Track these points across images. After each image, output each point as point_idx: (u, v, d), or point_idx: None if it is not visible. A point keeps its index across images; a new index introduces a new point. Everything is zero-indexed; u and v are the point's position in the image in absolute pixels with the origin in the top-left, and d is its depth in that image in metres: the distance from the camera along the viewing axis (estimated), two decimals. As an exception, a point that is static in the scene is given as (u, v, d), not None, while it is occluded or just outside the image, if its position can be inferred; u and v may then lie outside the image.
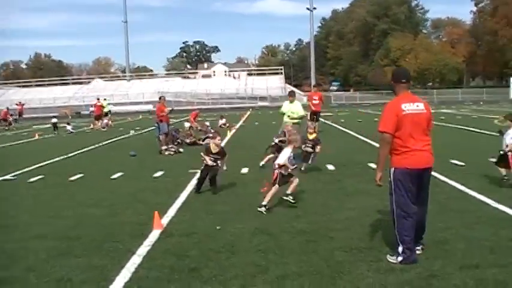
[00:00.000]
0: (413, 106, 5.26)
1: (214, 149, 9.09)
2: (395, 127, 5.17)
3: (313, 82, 59.52)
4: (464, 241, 5.85)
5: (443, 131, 19.49)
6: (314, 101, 19.77)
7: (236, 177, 10.63)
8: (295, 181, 7.93)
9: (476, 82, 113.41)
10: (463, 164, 11.34)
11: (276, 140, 11.49)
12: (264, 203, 7.62)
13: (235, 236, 6.39)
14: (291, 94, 13.84)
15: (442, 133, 17.83)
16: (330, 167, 11.67)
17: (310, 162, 10.95)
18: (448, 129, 20.87)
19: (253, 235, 6.42)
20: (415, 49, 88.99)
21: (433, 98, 57.82)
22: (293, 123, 12.62)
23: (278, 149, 10.00)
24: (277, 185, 7.80)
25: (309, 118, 17.99)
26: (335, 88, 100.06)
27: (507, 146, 8.82)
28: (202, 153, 9.22)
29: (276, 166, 7.88)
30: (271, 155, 10.94)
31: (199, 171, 9.47)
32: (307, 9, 67.26)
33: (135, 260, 5.56)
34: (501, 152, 9.00)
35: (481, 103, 49.56)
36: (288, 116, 13.00)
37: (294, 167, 7.98)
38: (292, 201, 7.79)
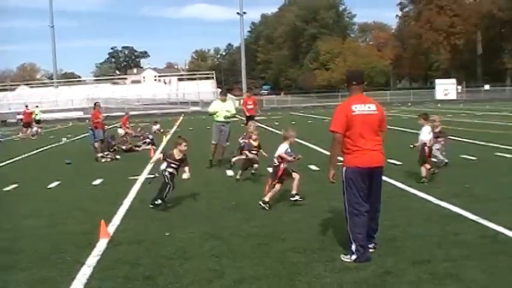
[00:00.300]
0: (365, 107, 5.42)
1: (178, 155, 8.42)
2: (346, 127, 5.34)
3: (244, 86, 59.91)
4: (412, 238, 6.07)
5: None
6: (249, 106, 19.86)
7: (178, 182, 10.48)
8: (297, 178, 8.08)
9: (402, 84, 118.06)
10: (400, 163, 11.77)
11: (241, 141, 11.61)
12: (266, 199, 7.88)
13: (186, 242, 6.31)
14: (224, 93, 13.84)
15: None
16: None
17: (255, 171, 10.71)
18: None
19: (204, 240, 6.37)
20: (343, 52, 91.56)
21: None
22: (225, 123, 12.80)
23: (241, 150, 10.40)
24: (280, 183, 7.99)
25: (246, 123, 18.04)
26: (266, 92, 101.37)
27: (424, 142, 9.58)
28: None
29: (276, 162, 8.05)
30: (240, 156, 11.01)
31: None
32: (237, 13, 67.55)
33: (85, 271, 5.37)
34: (411, 146, 9.97)
35: (409, 104, 51.61)
36: (224, 116, 12.92)
37: (293, 158, 8.08)
38: (301, 199, 7.98)
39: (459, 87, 63.87)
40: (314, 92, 75.28)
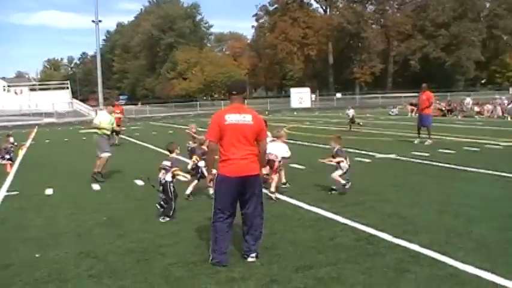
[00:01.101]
0: (239, 117, 5.59)
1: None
2: (219, 136, 5.56)
3: (100, 96, 57.77)
4: (292, 244, 6.23)
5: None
6: (116, 114, 19.28)
7: (41, 199, 9.79)
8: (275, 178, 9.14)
9: (258, 93, 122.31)
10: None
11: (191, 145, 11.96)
12: (272, 189, 8.92)
13: (60, 263, 5.88)
14: (112, 104, 13.52)
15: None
16: (139, 182, 11.42)
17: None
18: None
19: (79, 259, 5.99)
20: (201, 62, 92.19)
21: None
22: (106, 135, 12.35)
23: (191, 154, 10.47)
24: (278, 174, 9.28)
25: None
26: (123, 102, 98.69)
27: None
28: None
29: (280, 159, 9.29)
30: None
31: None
32: (93, 21, 64.94)
33: None
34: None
35: (267, 112, 53.39)
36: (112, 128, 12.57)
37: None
38: (277, 196, 8.99)
39: (313, 95, 67.49)
40: (172, 101, 74.90)
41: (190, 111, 51.43)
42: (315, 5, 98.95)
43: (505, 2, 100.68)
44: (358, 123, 25.54)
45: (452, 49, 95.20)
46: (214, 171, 5.86)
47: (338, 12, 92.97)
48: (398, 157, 13.89)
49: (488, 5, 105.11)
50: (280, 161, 9.32)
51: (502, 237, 6.20)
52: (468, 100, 36.55)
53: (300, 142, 18.58)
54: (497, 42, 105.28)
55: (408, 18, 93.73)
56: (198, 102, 70.58)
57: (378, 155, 14.31)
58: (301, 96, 62.91)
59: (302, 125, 29.25)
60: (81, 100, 79.06)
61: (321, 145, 16.84)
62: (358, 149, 15.61)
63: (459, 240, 6.14)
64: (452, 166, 11.94)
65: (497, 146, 15.68)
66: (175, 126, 34.92)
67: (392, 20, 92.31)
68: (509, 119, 28.78)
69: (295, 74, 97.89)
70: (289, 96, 67.11)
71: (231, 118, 5.55)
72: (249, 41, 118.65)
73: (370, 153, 14.73)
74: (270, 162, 9.00)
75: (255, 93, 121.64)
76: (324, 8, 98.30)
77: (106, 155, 12.03)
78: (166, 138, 23.21)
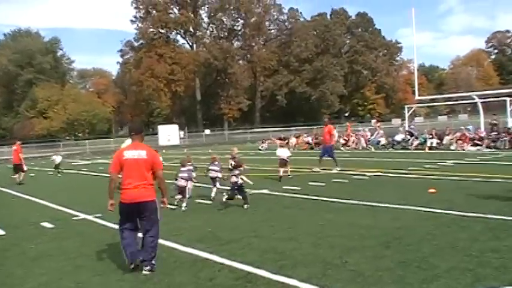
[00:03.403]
0: (135, 152, 7.05)
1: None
2: (119, 168, 7.05)
3: None
4: (168, 289, 6.04)
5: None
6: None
7: None
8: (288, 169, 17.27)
9: (124, 131, 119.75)
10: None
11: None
12: (288, 174, 16.80)
13: None
14: None
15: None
16: (0, 231, 10.65)
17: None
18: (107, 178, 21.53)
19: None
20: (63, 99, 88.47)
21: (85, 149, 58.46)
22: None
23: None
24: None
25: None
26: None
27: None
28: None
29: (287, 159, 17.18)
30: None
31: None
32: None
33: None
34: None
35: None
36: None
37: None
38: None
39: (181, 132, 67.54)
40: (33, 141, 70.72)
41: (52, 152, 48.82)
42: (181, 40, 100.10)
43: (363, 40, 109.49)
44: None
45: (316, 83, 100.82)
46: (111, 201, 7.05)
47: (205, 48, 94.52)
48: (271, 192, 14.23)
49: (348, 41, 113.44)
50: (287, 159, 17.32)
51: (377, 266, 6.51)
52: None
53: (169, 181, 18.29)
54: (357, 76, 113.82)
55: (273, 54, 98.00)
56: (61, 143, 67.39)
57: (251, 191, 14.51)
58: (169, 134, 62.68)
59: (172, 164, 28.96)
60: None
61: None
62: (229, 186, 15.77)
63: (336, 272, 6.34)
64: (324, 198, 12.45)
65: (364, 177, 16.66)
66: (36, 168, 32.92)
67: (258, 56, 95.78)
68: (373, 150, 30.87)
69: (163, 111, 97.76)
70: (156, 133, 66.48)
71: (128, 154, 7.03)
72: (114, 77, 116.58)
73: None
74: (283, 161, 17.24)
75: (121, 131, 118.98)
76: (191, 44, 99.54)
77: None
78: (29, 182, 21.96)
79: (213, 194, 13.22)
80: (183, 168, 12.66)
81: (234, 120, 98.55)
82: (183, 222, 10.24)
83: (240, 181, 12.01)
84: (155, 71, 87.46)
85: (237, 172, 12.09)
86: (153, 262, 6.89)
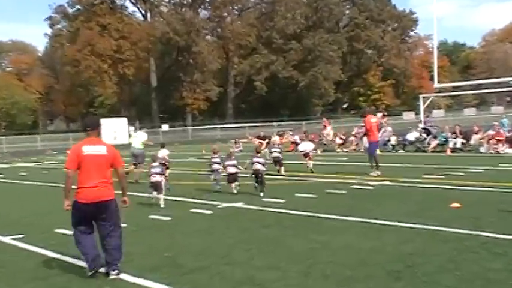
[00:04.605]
0: (95, 148, 8.11)
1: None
2: (77, 165, 8.00)
3: None
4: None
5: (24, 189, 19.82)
6: None
7: None
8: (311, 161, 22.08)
9: (56, 125, 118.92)
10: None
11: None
12: (310, 167, 21.61)
13: None
14: None
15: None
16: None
17: None
18: (31, 187, 21.34)
19: None
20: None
21: (1, 149, 57.82)
22: None
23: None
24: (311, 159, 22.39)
25: None
26: None
27: None
28: None
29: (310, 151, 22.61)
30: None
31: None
32: None
33: None
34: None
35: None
36: None
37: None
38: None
39: (132, 128, 67.01)
40: None
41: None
42: (132, 8, 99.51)
43: (367, 10, 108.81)
44: None
45: (306, 66, 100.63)
46: (67, 201, 8.09)
47: (162, 19, 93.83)
48: (247, 206, 14.24)
49: (347, 12, 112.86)
50: (310, 152, 22.53)
51: (382, 301, 6.54)
52: (328, 130, 38.71)
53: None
54: (359, 57, 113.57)
55: (251, 27, 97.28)
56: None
57: (222, 205, 14.51)
58: (115, 130, 62.25)
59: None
60: None
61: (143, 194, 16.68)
62: (194, 198, 15.79)
63: (331, 310, 6.35)
64: (314, 214, 12.48)
65: (367, 186, 16.77)
66: None
67: (231, 30, 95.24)
68: (378, 152, 31.01)
69: (107, 100, 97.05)
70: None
71: (87, 150, 8.05)
72: (40, 54, 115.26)
73: (211, 202, 14.91)
74: (306, 154, 22.15)
75: (51, 125, 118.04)
76: (143, 12, 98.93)
77: None
78: None
79: (235, 191, 16.59)
80: (154, 164, 15.29)
81: (200, 113, 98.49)
82: (133, 245, 10.14)
83: (264, 168, 16.23)
84: (97, 48, 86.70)
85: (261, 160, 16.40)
86: (119, 265, 8.07)
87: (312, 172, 21.26)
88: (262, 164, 16.33)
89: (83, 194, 7.92)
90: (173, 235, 11.15)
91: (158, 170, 15.03)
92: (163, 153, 19.76)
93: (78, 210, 8.02)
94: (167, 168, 18.36)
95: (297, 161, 24.16)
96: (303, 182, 18.74)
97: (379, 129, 23.24)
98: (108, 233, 8.04)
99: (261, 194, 15.63)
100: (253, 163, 16.46)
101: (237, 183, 16.76)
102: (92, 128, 8.38)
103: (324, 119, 45.29)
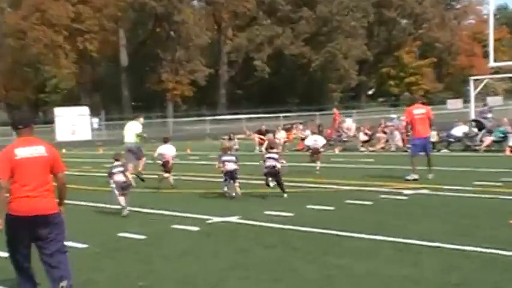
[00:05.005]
0: (31, 150, 7.92)
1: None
2: (10, 173, 7.73)
3: None
4: None
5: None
6: None
7: None
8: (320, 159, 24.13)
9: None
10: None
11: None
12: (318, 167, 23.34)
13: None
14: None
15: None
16: None
17: None
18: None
19: None
20: None
21: None
22: None
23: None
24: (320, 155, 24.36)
25: None
26: None
27: None
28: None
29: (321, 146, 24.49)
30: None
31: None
32: None
33: None
34: None
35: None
36: None
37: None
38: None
39: (96, 120, 67.16)
40: None
41: None
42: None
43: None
44: None
45: (321, 41, 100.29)
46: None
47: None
48: (244, 220, 14.28)
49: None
50: (322, 147, 24.24)
51: None
52: (349, 123, 38.71)
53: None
54: (390, 29, 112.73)
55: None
56: None
57: (213, 219, 14.52)
58: (73, 122, 62.24)
59: (78, 173, 28.78)
60: None
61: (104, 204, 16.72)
62: (175, 211, 15.79)
63: None
64: (331, 231, 12.51)
65: (399, 196, 16.80)
66: None
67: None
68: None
69: (62, 83, 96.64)
70: (51, 121, 65.95)
71: (22, 152, 7.85)
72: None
73: (200, 217, 14.94)
74: (315, 150, 23.91)
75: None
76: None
77: None
78: None
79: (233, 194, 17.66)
80: (117, 163, 16.17)
81: (184, 102, 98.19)
82: (97, 271, 10.18)
83: (279, 165, 17.41)
84: (48, 14, 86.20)
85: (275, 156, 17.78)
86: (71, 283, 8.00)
87: (317, 171, 23.19)
88: (276, 160, 17.47)
89: (16, 205, 7.73)
90: (149, 259, 11.15)
91: (121, 169, 16.04)
92: (168, 150, 20.65)
93: (13, 227, 7.77)
94: (167, 171, 20.07)
95: (307, 163, 24.22)
96: (317, 190, 18.76)
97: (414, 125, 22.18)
98: (50, 256, 7.89)
99: (285, 196, 17.20)
100: (264, 160, 17.78)
101: (237, 184, 17.64)
102: (24, 125, 8.18)
103: (335, 109, 44.81)
